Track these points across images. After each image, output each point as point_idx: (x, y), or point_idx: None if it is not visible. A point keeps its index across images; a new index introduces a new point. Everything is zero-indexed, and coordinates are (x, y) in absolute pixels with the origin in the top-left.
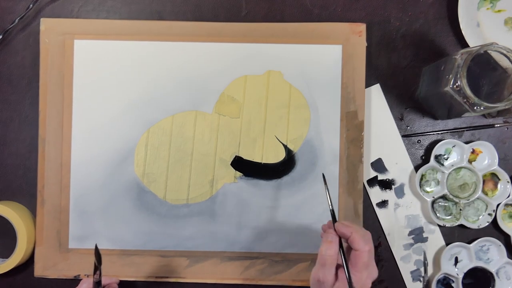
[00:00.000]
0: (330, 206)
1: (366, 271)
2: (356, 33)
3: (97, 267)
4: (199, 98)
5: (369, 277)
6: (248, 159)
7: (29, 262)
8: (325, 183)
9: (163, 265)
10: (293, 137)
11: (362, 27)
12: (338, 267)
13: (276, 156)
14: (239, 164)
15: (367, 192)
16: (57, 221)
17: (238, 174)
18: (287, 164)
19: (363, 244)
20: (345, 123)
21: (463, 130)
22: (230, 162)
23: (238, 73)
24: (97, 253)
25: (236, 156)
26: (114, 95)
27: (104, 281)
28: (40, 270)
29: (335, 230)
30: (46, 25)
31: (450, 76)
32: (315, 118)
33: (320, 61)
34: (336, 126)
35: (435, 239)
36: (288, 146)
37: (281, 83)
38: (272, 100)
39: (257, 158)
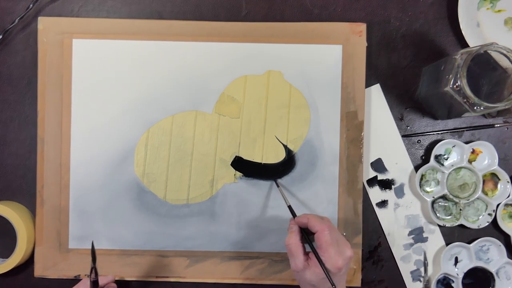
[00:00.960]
0: (287, 203)
1: (333, 249)
2: (356, 33)
3: (93, 266)
4: (199, 98)
5: (339, 256)
6: (248, 159)
7: (29, 262)
8: (278, 186)
9: (163, 265)
10: (293, 137)
11: (362, 27)
12: (310, 256)
13: (276, 156)
14: (239, 164)
15: (367, 192)
16: (57, 221)
17: (238, 174)
18: (287, 164)
19: (320, 224)
20: (345, 123)
21: (463, 130)
22: (230, 162)
23: (238, 73)
24: (93, 251)
25: (236, 156)
26: (113, 95)
27: (100, 281)
28: (40, 270)
29: (295, 223)
30: (44, 24)
31: (450, 76)
32: (315, 118)
33: (320, 61)
34: (336, 126)
35: (435, 239)
36: (288, 146)
37: (281, 83)
38: (272, 100)
39: (257, 158)
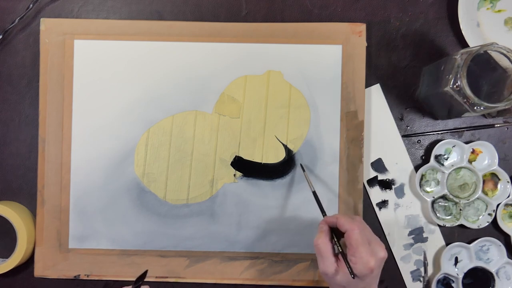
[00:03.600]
0: (312, 188)
1: (364, 249)
2: (356, 33)
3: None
4: (199, 98)
5: (371, 256)
6: (248, 159)
7: (29, 262)
8: (304, 170)
9: (163, 265)
10: (293, 137)
11: (362, 27)
12: (340, 257)
13: (276, 156)
14: (239, 164)
15: (367, 192)
16: (57, 221)
17: (238, 174)
18: (287, 164)
19: (350, 223)
20: (345, 123)
21: (463, 130)
22: (230, 162)
23: (238, 73)
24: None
25: (236, 156)
26: (114, 95)
27: None
28: (40, 270)
29: (324, 223)
30: (46, 25)
31: (450, 76)
32: (315, 118)
33: (320, 61)
34: (336, 126)
35: (435, 239)
36: (288, 146)
37: (281, 83)
38: (272, 100)
39: (257, 158)
